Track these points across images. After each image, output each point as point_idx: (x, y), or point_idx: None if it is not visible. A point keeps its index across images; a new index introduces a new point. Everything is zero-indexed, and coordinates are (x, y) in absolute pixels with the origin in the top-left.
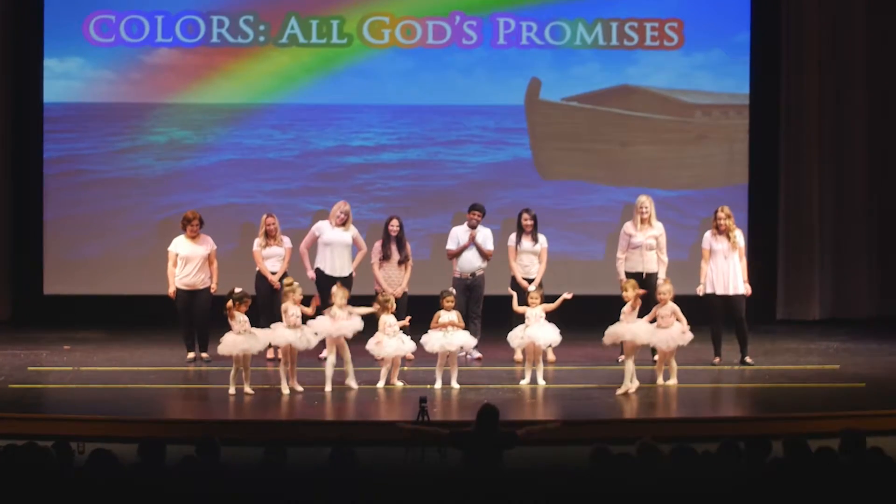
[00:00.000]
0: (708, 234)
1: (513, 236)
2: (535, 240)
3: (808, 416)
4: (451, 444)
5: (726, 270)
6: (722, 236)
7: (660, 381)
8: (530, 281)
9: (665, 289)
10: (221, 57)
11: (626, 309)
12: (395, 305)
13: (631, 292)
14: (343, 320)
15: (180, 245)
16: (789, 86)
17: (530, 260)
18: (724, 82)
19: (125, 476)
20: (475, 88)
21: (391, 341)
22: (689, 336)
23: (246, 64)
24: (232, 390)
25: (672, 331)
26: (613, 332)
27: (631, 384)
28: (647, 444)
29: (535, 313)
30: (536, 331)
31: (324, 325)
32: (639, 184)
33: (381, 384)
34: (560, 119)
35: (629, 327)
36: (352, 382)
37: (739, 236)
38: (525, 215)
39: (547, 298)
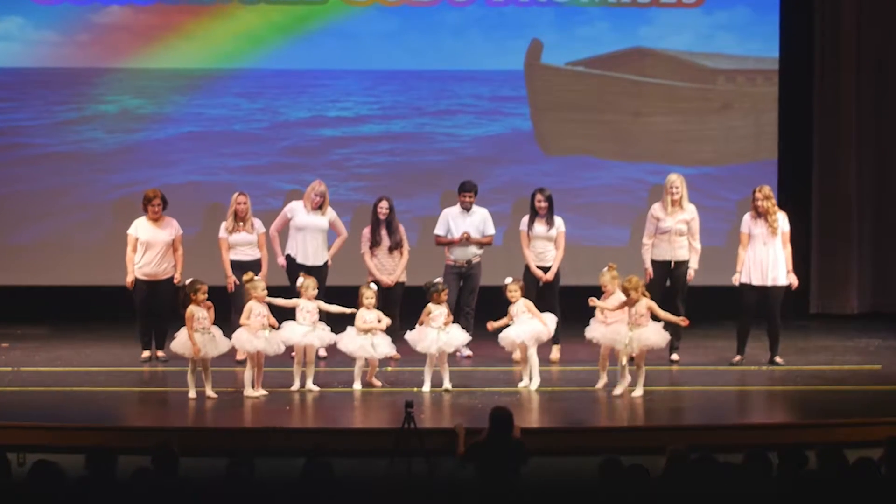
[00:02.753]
0: (747, 216)
1: (525, 220)
2: (551, 223)
3: (845, 423)
4: (468, 460)
5: (765, 258)
6: (761, 219)
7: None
8: (546, 270)
9: (606, 279)
10: (180, 16)
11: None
12: (373, 300)
13: (634, 295)
14: (309, 324)
15: (141, 228)
16: (824, 48)
17: (545, 246)
18: (751, 44)
19: (71, 491)
20: (468, 51)
21: (360, 339)
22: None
23: (208, 24)
24: (192, 394)
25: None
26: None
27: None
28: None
29: (518, 308)
30: (516, 328)
31: (292, 335)
32: (653, 159)
33: (356, 385)
34: (564, 86)
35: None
36: (311, 384)
37: (782, 220)
38: (538, 196)
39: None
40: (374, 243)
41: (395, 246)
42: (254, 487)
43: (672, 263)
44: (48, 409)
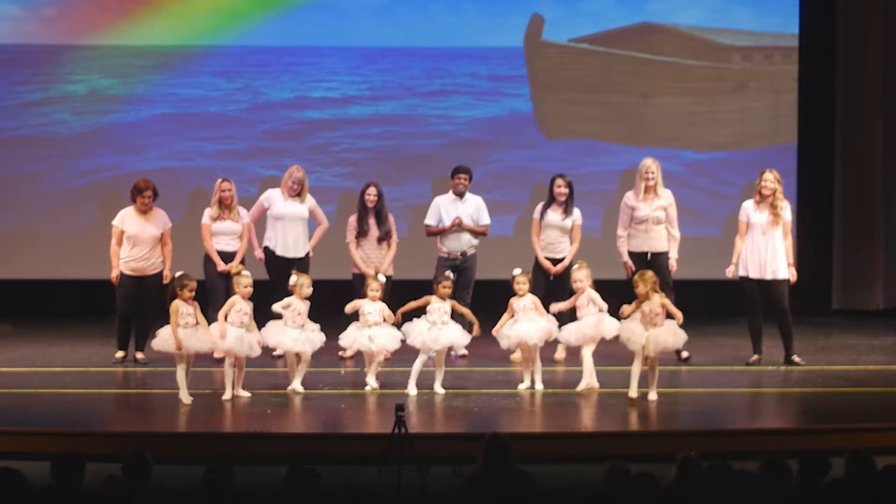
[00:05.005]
0: (748, 202)
1: (539, 208)
2: (567, 213)
3: (870, 428)
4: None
5: (763, 249)
6: (764, 205)
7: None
8: (556, 262)
9: (580, 275)
10: None
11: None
12: (379, 293)
13: (642, 288)
14: (298, 326)
15: (128, 220)
16: (847, 24)
17: (556, 236)
18: (769, 19)
19: (35, 501)
20: (463, 27)
21: (355, 332)
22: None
23: None
24: (184, 399)
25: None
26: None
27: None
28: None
29: (524, 304)
30: (525, 326)
31: (282, 340)
32: (663, 143)
33: (371, 383)
34: (567, 65)
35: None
36: (297, 386)
37: (786, 209)
38: (559, 181)
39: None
40: (361, 233)
41: (384, 237)
42: (233, 497)
43: (648, 255)
44: (10, 413)
